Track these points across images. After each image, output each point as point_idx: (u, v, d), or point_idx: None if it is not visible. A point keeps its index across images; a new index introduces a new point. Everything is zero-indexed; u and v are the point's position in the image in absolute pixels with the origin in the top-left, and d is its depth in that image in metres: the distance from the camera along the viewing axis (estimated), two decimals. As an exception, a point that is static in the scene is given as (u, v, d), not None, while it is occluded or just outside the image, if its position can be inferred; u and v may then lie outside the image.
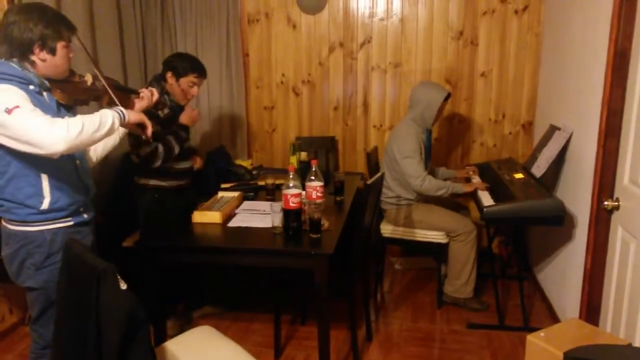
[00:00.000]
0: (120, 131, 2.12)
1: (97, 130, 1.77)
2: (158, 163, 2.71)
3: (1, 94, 1.67)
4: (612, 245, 2.37)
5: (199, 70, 2.82)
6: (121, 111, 1.92)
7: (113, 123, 1.84)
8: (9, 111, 1.63)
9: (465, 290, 3.18)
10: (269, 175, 3.37)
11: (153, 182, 2.80)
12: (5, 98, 1.66)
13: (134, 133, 2.16)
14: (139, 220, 2.86)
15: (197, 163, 3.00)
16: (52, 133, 1.64)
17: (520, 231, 3.48)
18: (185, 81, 2.79)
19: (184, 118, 2.84)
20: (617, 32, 2.27)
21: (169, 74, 2.79)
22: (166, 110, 2.79)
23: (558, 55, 3.25)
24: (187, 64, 2.79)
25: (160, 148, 2.70)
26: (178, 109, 2.87)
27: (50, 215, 1.88)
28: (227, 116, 4.07)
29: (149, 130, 2.06)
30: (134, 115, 1.99)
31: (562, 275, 2.97)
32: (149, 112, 2.36)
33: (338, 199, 2.93)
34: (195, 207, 2.66)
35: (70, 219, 1.94)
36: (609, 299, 2.38)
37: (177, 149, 2.76)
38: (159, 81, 2.83)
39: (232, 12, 3.91)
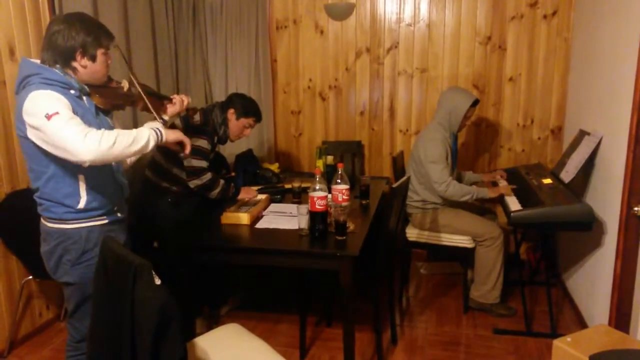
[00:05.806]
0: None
1: (130, 146, 1.81)
2: (214, 193, 2.84)
3: (44, 99, 1.75)
4: (642, 251, 2.34)
5: (258, 115, 3.03)
6: (159, 130, 1.96)
7: (148, 142, 1.89)
8: (48, 117, 1.71)
9: (491, 295, 3.16)
10: (295, 178, 3.43)
11: (175, 187, 2.88)
12: (48, 104, 1.74)
13: (172, 150, 2.16)
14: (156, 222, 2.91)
15: None
16: (84, 143, 1.70)
17: (548, 237, 3.44)
18: (244, 121, 2.96)
19: (242, 194, 3.00)
20: (648, 36, 2.25)
21: (231, 111, 2.94)
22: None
23: (588, 60, 3.22)
24: (250, 107, 2.98)
25: (221, 183, 2.86)
26: (225, 139, 3.01)
27: (86, 213, 1.94)
28: (255, 121, 4.14)
29: (188, 148, 2.10)
30: (172, 134, 2.04)
31: (591, 281, 2.92)
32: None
33: (364, 202, 2.95)
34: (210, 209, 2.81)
35: (105, 217, 2.00)
36: None
37: (232, 191, 2.94)
38: (222, 110, 2.95)
39: (261, 19, 3.99)
